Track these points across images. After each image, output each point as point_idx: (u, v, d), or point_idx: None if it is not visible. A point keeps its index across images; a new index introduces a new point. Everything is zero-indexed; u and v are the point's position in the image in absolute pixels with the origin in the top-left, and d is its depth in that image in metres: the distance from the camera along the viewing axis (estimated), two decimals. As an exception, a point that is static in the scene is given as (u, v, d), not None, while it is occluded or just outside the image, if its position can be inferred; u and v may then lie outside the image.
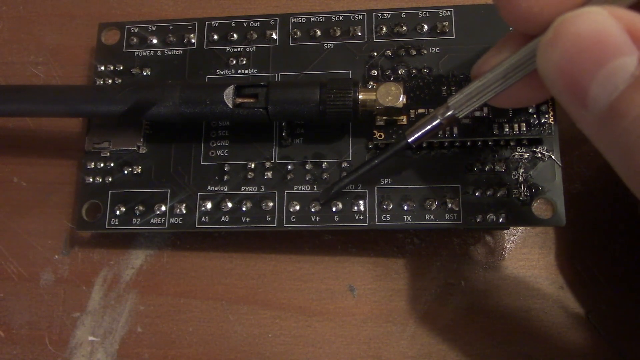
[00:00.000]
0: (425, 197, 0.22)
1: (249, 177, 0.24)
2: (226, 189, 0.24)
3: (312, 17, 0.25)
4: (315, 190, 0.23)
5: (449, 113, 0.19)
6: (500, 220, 0.22)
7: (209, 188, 0.24)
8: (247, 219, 0.23)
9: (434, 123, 0.20)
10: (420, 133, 0.20)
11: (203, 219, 0.23)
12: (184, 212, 0.24)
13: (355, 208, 0.23)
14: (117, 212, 0.24)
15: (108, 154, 0.25)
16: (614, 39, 0.13)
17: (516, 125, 0.22)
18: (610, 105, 0.14)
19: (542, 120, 0.22)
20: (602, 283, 0.23)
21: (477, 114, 0.22)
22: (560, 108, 0.21)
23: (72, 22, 0.29)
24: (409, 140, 0.20)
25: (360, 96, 0.22)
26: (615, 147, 0.14)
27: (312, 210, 0.23)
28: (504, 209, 0.22)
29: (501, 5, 0.17)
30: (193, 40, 0.26)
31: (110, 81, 0.26)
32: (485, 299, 0.23)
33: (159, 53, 0.26)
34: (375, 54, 0.24)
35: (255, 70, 0.25)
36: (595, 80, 0.14)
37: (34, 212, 0.26)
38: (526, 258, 0.24)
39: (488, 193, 0.22)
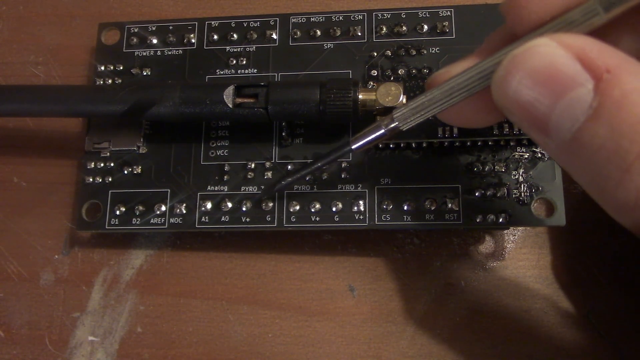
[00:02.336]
0: (425, 197, 0.22)
1: (249, 177, 0.24)
2: (226, 189, 0.24)
3: (312, 17, 0.25)
4: (315, 190, 0.23)
5: (392, 125, 0.19)
6: (500, 220, 0.22)
7: (209, 188, 0.24)
8: (247, 219, 0.23)
9: (378, 133, 0.19)
10: (363, 141, 0.20)
11: (203, 219, 0.23)
12: (184, 212, 0.24)
13: (355, 208, 0.23)
14: (117, 212, 0.24)
15: (108, 154, 0.25)
16: (566, 70, 0.13)
17: (516, 125, 0.22)
18: (572, 136, 0.13)
19: (542, 120, 0.22)
20: (602, 283, 0.23)
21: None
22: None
23: (72, 22, 0.29)
24: (353, 147, 0.20)
25: (360, 96, 0.22)
26: (583, 173, 0.14)
27: (312, 210, 0.23)
28: (504, 209, 0.22)
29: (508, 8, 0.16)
30: (193, 40, 0.26)
31: (110, 81, 0.26)
32: (485, 299, 0.23)
33: (159, 53, 0.26)
34: (375, 54, 0.24)
35: (255, 70, 0.25)
36: (555, 113, 0.14)
37: (34, 212, 0.26)
38: (526, 258, 0.24)
39: (488, 193, 0.22)
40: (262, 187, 0.23)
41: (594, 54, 0.13)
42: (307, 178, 0.23)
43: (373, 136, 0.20)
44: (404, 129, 0.19)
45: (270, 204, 0.23)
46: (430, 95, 0.18)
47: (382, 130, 0.19)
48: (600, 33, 0.14)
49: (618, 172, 0.13)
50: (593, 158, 0.13)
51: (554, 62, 0.13)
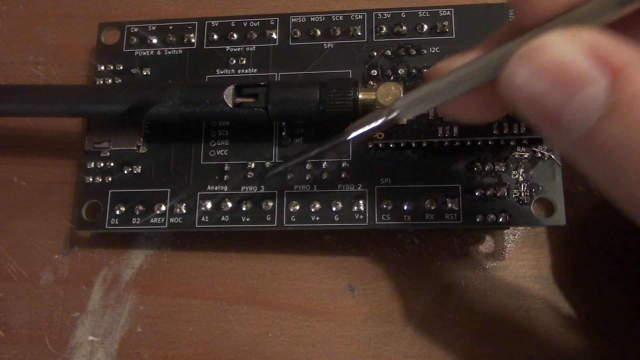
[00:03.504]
0: (425, 197, 0.22)
1: (249, 177, 0.24)
2: (226, 189, 0.24)
3: (312, 17, 0.25)
4: (315, 190, 0.23)
5: (392, 115, 0.18)
6: (500, 220, 0.22)
7: (209, 188, 0.24)
8: (247, 219, 0.23)
9: (376, 124, 0.19)
10: (360, 131, 0.19)
11: (203, 219, 0.23)
12: (184, 212, 0.24)
13: (355, 208, 0.23)
14: (117, 212, 0.24)
15: (108, 153, 0.25)
16: (578, 67, 0.13)
17: (516, 125, 0.22)
18: (587, 133, 0.13)
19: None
20: (602, 283, 0.23)
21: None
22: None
23: (72, 22, 0.29)
24: (349, 137, 0.19)
25: (360, 96, 0.22)
26: (598, 170, 0.14)
27: (312, 210, 0.23)
28: (504, 208, 0.22)
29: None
30: (193, 40, 0.26)
31: (110, 81, 0.26)
32: (485, 299, 0.23)
33: (159, 53, 0.26)
34: (375, 53, 0.24)
35: (255, 70, 0.25)
36: (567, 111, 0.13)
37: (34, 212, 0.26)
38: (526, 258, 0.24)
39: (488, 193, 0.22)
40: (263, 187, 0.23)
41: (607, 50, 0.13)
42: (307, 177, 0.23)
43: (370, 127, 0.19)
44: (405, 121, 0.18)
45: (270, 204, 0.23)
46: (433, 85, 0.17)
47: (381, 122, 0.18)
48: (616, 27, 0.14)
49: (636, 171, 0.13)
50: (609, 156, 0.13)
51: (565, 60, 0.13)
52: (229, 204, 0.23)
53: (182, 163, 0.24)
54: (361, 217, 0.23)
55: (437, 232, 0.24)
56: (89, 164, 0.25)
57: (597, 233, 0.24)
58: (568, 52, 0.13)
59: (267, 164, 0.24)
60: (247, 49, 0.25)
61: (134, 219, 0.24)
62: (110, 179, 0.24)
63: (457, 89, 0.17)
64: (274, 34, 0.25)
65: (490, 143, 0.22)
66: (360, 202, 0.23)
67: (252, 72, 0.25)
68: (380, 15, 0.25)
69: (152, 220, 0.24)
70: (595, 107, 0.13)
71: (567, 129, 0.13)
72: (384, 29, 0.24)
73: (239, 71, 0.25)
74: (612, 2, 0.14)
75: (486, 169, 0.22)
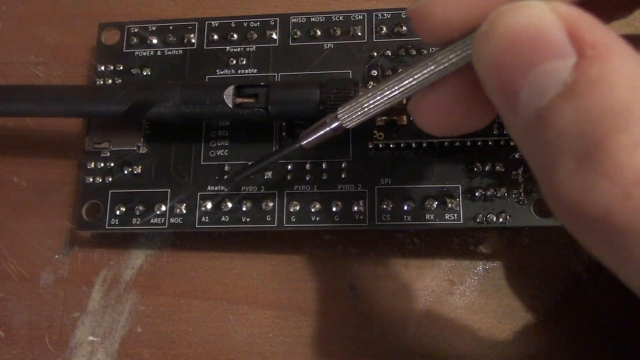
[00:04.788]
0: (425, 197, 0.22)
1: (250, 177, 0.24)
2: (226, 189, 0.24)
3: (312, 17, 0.25)
4: (315, 190, 0.23)
5: (335, 124, 0.19)
6: (500, 220, 0.22)
7: (209, 188, 0.24)
8: (247, 219, 0.23)
9: (323, 131, 0.19)
10: (311, 138, 0.20)
11: (203, 219, 0.23)
12: (184, 212, 0.24)
13: (355, 208, 0.23)
14: (117, 212, 0.24)
15: (108, 154, 0.25)
16: (550, 38, 0.12)
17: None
18: (537, 112, 0.12)
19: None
20: (602, 283, 0.23)
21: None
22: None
23: (72, 22, 0.29)
24: (302, 143, 0.20)
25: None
26: (537, 159, 0.12)
27: (312, 210, 0.23)
28: (504, 208, 0.22)
29: (415, 18, 0.15)
30: (193, 40, 0.26)
31: (110, 81, 0.26)
32: (485, 299, 0.23)
33: (159, 53, 0.26)
34: (375, 54, 0.24)
35: (255, 70, 0.25)
36: (526, 84, 0.12)
37: (34, 212, 0.26)
38: (526, 258, 0.24)
39: (488, 193, 0.22)
40: (263, 187, 0.23)
41: (584, 28, 0.12)
42: (307, 177, 0.23)
43: (319, 133, 0.19)
44: (349, 127, 0.19)
45: (270, 204, 0.23)
46: (375, 91, 0.17)
47: (327, 129, 0.19)
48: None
49: (572, 162, 0.11)
50: (552, 141, 0.12)
51: (540, 27, 0.12)
52: (229, 204, 0.23)
53: (182, 163, 0.24)
54: (361, 217, 0.23)
55: (437, 232, 0.24)
56: (89, 164, 0.25)
57: (597, 233, 0.23)
58: (547, 20, 0.12)
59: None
60: (247, 49, 0.25)
61: (134, 219, 0.24)
62: (110, 179, 0.25)
63: (400, 91, 0.16)
64: (274, 34, 0.25)
65: (490, 143, 0.22)
66: (360, 202, 0.23)
67: (252, 73, 0.25)
68: (380, 15, 0.25)
69: (152, 221, 0.24)
70: (553, 84, 0.12)
71: (522, 105, 0.12)
72: (384, 29, 0.24)
73: (239, 71, 0.25)
74: None
75: (486, 169, 0.22)
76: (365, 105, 0.17)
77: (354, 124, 0.18)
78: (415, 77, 0.16)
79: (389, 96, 0.17)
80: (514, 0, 0.13)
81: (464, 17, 0.14)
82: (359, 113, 0.18)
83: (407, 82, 0.16)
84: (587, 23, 0.12)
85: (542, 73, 0.12)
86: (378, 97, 0.17)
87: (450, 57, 0.15)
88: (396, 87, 0.16)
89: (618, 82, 0.11)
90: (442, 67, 0.15)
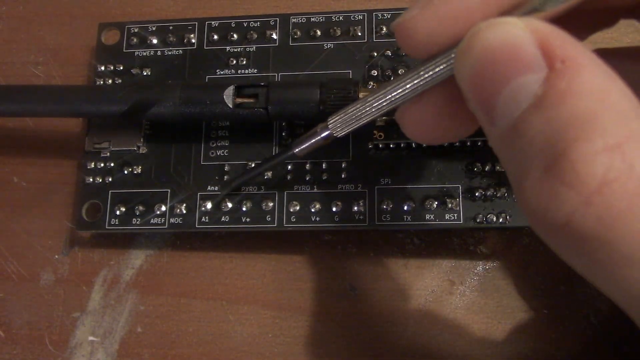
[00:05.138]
0: (425, 197, 0.22)
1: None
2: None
3: (312, 17, 0.25)
4: (315, 190, 0.23)
5: (325, 133, 0.19)
6: (500, 220, 0.22)
7: (209, 188, 0.24)
8: (247, 219, 0.23)
9: (315, 139, 0.20)
10: (303, 146, 0.20)
11: (203, 219, 0.23)
12: (184, 212, 0.24)
13: (355, 208, 0.23)
14: (117, 212, 0.24)
15: (108, 154, 0.25)
16: (524, 53, 0.12)
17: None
18: (512, 124, 0.12)
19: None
20: (602, 283, 0.23)
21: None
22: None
23: (72, 22, 0.29)
24: (295, 150, 0.20)
25: (360, 96, 0.22)
26: (510, 165, 0.13)
27: (312, 210, 0.23)
28: (504, 209, 0.22)
29: (399, 33, 0.16)
30: (193, 40, 0.26)
31: (110, 81, 0.26)
32: (485, 299, 0.23)
33: (159, 53, 0.26)
34: (375, 54, 0.24)
35: (256, 70, 0.25)
36: (502, 97, 0.13)
37: (34, 212, 0.26)
38: (525, 258, 0.24)
39: (488, 193, 0.22)
40: (263, 187, 0.23)
41: (556, 43, 0.12)
42: (307, 177, 0.23)
43: (311, 142, 0.20)
44: (339, 137, 0.19)
45: (270, 204, 0.23)
46: (363, 102, 0.18)
47: (318, 137, 0.20)
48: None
49: (539, 171, 0.12)
50: (524, 148, 0.12)
51: (515, 43, 0.13)
52: (229, 204, 0.23)
53: (182, 163, 0.24)
54: (361, 217, 0.23)
55: (437, 232, 0.24)
56: (89, 164, 0.25)
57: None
58: (521, 36, 0.13)
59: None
60: (247, 49, 0.25)
61: (134, 219, 0.24)
62: (110, 179, 0.25)
63: (392, 100, 0.17)
64: (274, 34, 0.25)
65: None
66: (360, 202, 0.23)
67: (252, 73, 0.25)
68: (380, 15, 0.25)
69: (152, 221, 0.24)
70: (526, 96, 0.12)
71: (498, 116, 0.13)
72: (384, 29, 0.24)
73: (239, 71, 0.25)
74: None
75: (486, 169, 0.22)
76: (354, 115, 0.18)
77: (343, 133, 0.19)
78: (402, 88, 0.16)
79: (377, 107, 0.17)
80: (492, 17, 0.13)
81: (445, 32, 0.14)
82: (348, 123, 0.19)
83: (393, 93, 0.16)
84: (559, 38, 0.12)
85: (516, 86, 0.12)
86: (367, 108, 0.18)
87: (435, 70, 0.15)
88: (383, 98, 0.17)
89: (584, 94, 0.12)
90: (426, 79, 0.15)
